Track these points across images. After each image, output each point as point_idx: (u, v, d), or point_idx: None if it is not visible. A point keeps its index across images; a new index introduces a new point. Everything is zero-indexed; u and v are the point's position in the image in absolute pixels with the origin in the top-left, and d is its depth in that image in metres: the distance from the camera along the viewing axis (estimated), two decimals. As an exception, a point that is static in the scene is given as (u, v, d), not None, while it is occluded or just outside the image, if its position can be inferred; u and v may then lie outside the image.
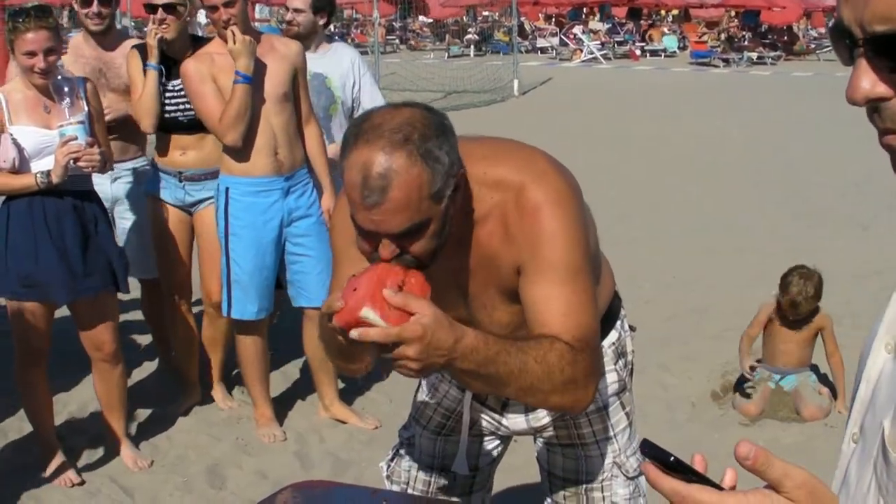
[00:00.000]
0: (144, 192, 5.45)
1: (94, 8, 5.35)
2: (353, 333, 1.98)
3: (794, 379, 5.70)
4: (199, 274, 5.59)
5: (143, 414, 5.55)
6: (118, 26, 5.24)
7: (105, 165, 4.61)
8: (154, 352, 6.28)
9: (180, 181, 5.33)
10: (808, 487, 1.18)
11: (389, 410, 5.47)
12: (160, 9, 5.09)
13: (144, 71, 5.16)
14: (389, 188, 2.02)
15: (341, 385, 5.66)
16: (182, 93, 5.14)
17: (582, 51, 36.42)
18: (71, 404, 5.66)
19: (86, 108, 4.54)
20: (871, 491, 1.26)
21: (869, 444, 1.28)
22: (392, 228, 2.06)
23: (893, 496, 1.22)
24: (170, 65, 5.18)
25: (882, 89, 1.11)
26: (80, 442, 5.23)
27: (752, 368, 5.77)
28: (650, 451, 1.24)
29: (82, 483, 4.81)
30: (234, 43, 4.75)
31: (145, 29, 5.32)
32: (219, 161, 5.16)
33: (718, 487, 1.23)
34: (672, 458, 1.22)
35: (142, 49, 5.24)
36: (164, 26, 5.13)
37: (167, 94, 5.19)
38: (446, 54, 36.90)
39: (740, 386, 5.87)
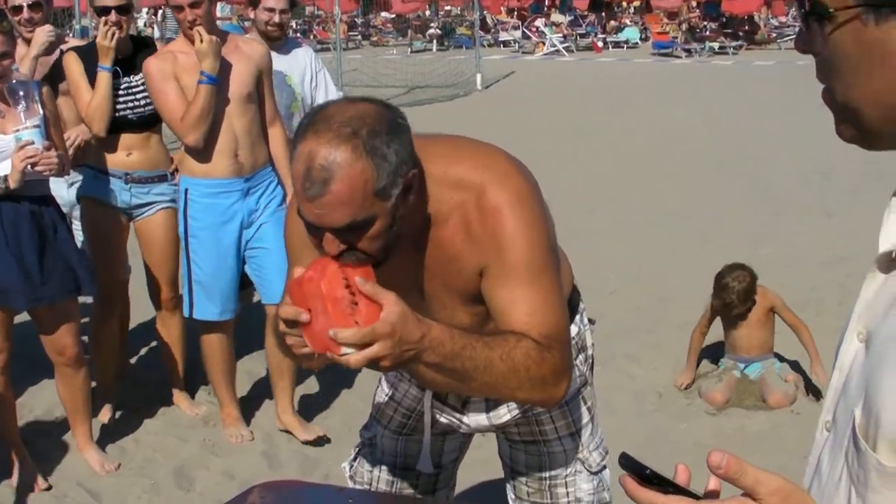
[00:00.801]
0: (78, 194, 5.35)
1: (26, 14, 5.32)
2: (337, 358, 1.99)
3: (759, 367, 5.75)
4: (147, 279, 5.56)
5: (109, 417, 5.52)
6: (71, 28, 5.18)
7: (63, 169, 4.56)
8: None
9: (126, 183, 5.24)
10: (783, 493, 1.18)
11: (360, 408, 5.45)
12: (113, 11, 5.04)
13: (89, 72, 5.09)
14: (331, 181, 2.01)
15: (310, 382, 5.65)
16: (132, 90, 5.13)
17: (544, 44, 36.44)
18: (36, 408, 5.62)
19: (41, 112, 4.50)
20: (843, 480, 1.27)
21: (840, 432, 1.29)
22: (334, 222, 2.05)
23: (864, 485, 1.23)
24: (118, 63, 5.13)
25: None
26: (46, 446, 5.19)
27: (687, 387, 5.89)
28: (628, 463, 1.24)
29: (49, 488, 4.78)
30: (201, 43, 4.72)
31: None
32: (165, 164, 5.22)
33: (696, 497, 1.23)
34: (648, 471, 1.22)
35: (79, 51, 5.17)
36: (117, 28, 5.07)
37: (118, 93, 5.14)
38: (409, 49, 36.86)
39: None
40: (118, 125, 5.15)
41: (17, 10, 5.32)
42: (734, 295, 5.67)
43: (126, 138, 5.20)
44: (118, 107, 5.11)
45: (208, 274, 5.00)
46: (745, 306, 5.72)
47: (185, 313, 5.17)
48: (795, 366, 5.95)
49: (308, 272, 2.04)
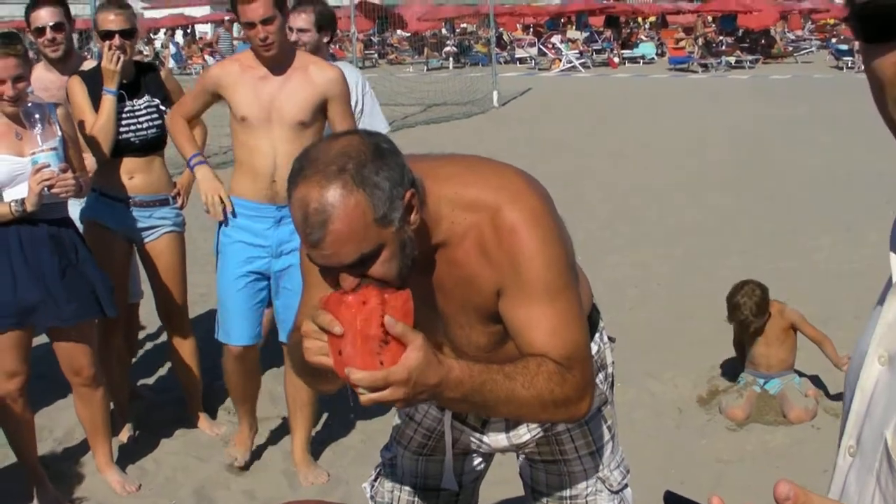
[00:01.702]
0: (81, 217, 5.31)
1: (49, 35, 5.35)
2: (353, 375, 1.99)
3: (779, 382, 5.72)
4: (156, 303, 5.57)
5: (129, 437, 5.53)
6: (89, 50, 5.20)
7: (81, 190, 4.58)
8: (137, 375, 6.26)
9: (128, 207, 5.25)
10: None
11: (379, 427, 5.44)
12: (117, 35, 5.06)
13: (93, 96, 5.11)
14: (329, 222, 2.00)
15: (329, 402, 5.65)
16: (135, 114, 5.15)
17: (560, 60, 36.49)
18: (56, 430, 5.63)
19: (59, 134, 4.52)
20: (875, 502, 1.26)
21: (868, 455, 1.28)
22: (343, 260, 2.05)
23: None
24: (122, 87, 5.14)
25: None
26: (67, 467, 5.20)
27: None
28: (674, 500, 1.22)
29: (70, 509, 4.79)
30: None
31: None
32: (167, 187, 5.21)
33: None
34: None
35: (82, 75, 5.19)
36: (121, 52, 5.08)
37: (121, 117, 5.14)
38: (425, 67, 36.96)
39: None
40: (121, 149, 5.15)
41: (41, 31, 5.35)
42: (747, 311, 5.66)
43: (128, 162, 5.21)
44: (121, 130, 5.12)
45: (228, 294, 4.90)
46: (761, 320, 5.70)
47: (216, 335, 5.09)
48: (815, 381, 5.92)
49: (350, 297, 2.03)
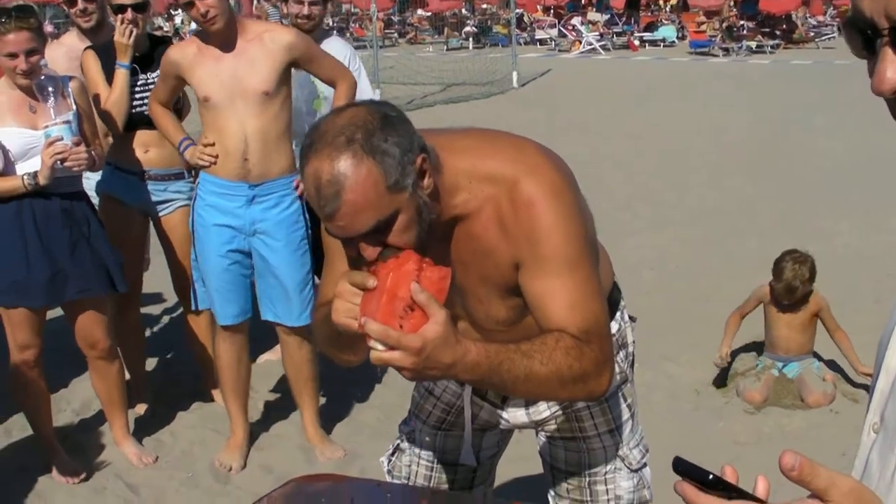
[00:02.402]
0: (96, 190, 5.30)
1: (80, 5, 5.34)
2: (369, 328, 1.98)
3: (797, 366, 5.70)
4: (172, 277, 5.58)
5: (146, 410, 5.55)
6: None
7: (95, 163, 4.57)
8: (153, 349, 6.28)
9: (143, 180, 5.24)
10: (855, 494, 1.15)
11: (396, 402, 5.44)
12: (129, 9, 5.04)
13: (107, 70, 5.11)
14: (342, 192, 2.01)
15: (346, 377, 5.65)
16: (149, 87, 5.11)
17: (580, 42, 36.36)
18: (74, 402, 5.66)
19: (73, 107, 4.51)
20: None
21: (892, 433, 1.27)
22: (360, 229, 2.05)
23: None
24: (135, 60, 5.12)
25: None
26: (84, 439, 5.23)
27: (728, 361, 5.89)
28: (684, 468, 1.19)
29: (87, 479, 4.81)
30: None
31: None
32: (182, 161, 5.14)
33: (762, 501, 1.18)
34: (711, 476, 1.17)
35: (96, 49, 5.18)
36: (134, 25, 5.05)
37: (134, 90, 5.13)
38: (445, 47, 36.87)
39: (725, 373, 5.93)
40: (135, 122, 5.14)
41: (73, 1, 5.34)
42: (802, 273, 5.59)
43: (142, 135, 5.19)
44: (134, 103, 5.11)
45: (207, 273, 4.82)
46: (805, 290, 5.64)
47: (192, 307, 5.08)
48: (833, 365, 5.90)
49: (391, 260, 2.05)
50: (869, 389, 1.37)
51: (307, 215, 4.79)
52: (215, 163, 4.66)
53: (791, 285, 5.60)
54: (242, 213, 4.70)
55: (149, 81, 5.15)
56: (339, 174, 2.00)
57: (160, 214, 5.35)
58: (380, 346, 1.97)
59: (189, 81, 4.70)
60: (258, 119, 4.58)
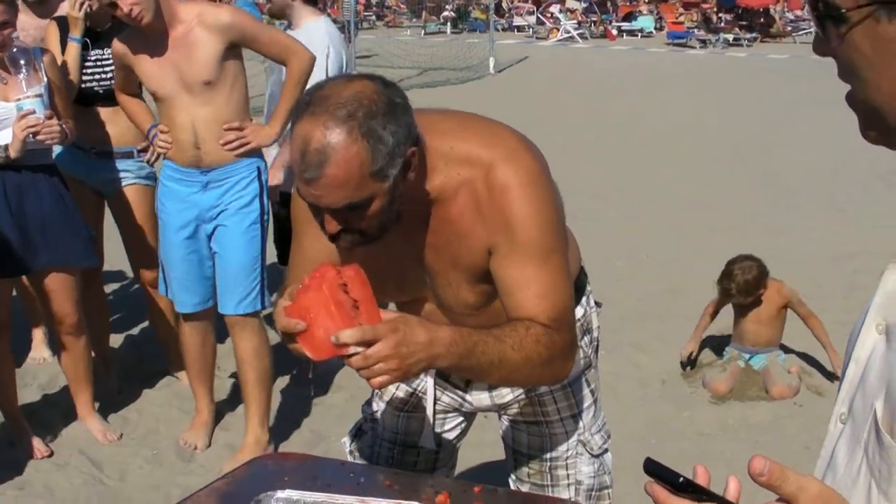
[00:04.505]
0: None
1: None
2: (353, 361, 2.01)
3: (764, 358, 5.75)
4: (128, 256, 5.56)
5: (112, 387, 5.54)
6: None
7: (66, 137, 4.55)
8: (120, 326, 6.27)
9: (95, 158, 5.20)
10: (823, 498, 1.16)
11: (365, 385, 5.40)
12: None
13: (63, 43, 5.05)
14: (326, 164, 2.02)
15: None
16: (101, 63, 5.08)
17: (559, 30, 36.34)
18: (41, 377, 5.64)
19: (44, 80, 4.49)
20: (862, 473, 1.26)
21: (858, 425, 1.28)
22: (331, 203, 2.07)
23: (885, 479, 1.21)
24: (91, 35, 5.08)
25: None
26: (50, 415, 5.21)
27: (691, 360, 5.96)
28: (655, 469, 1.19)
29: (51, 455, 4.80)
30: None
31: None
32: (134, 140, 5.10)
33: None
34: (682, 479, 1.17)
35: (59, 21, 5.13)
36: None
37: (86, 65, 5.08)
38: (423, 31, 36.79)
39: (690, 362, 5.99)
40: (89, 98, 5.11)
41: None
42: (734, 284, 5.67)
43: (95, 112, 5.15)
44: (85, 79, 5.08)
45: (166, 261, 4.76)
46: (745, 298, 5.70)
47: (160, 292, 5.00)
48: (800, 357, 5.95)
49: (304, 281, 2.06)
50: (838, 381, 1.37)
51: (265, 201, 4.68)
52: (170, 149, 4.58)
53: (727, 291, 5.74)
54: (198, 199, 4.60)
55: (103, 57, 5.08)
56: (328, 146, 2.01)
57: (112, 193, 5.30)
58: (359, 349, 1.99)
59: (137, 74, 4.56)
60: (205, 108, 4.44)
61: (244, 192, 4.60)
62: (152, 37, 4.40)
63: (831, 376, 5.69)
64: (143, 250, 5.36)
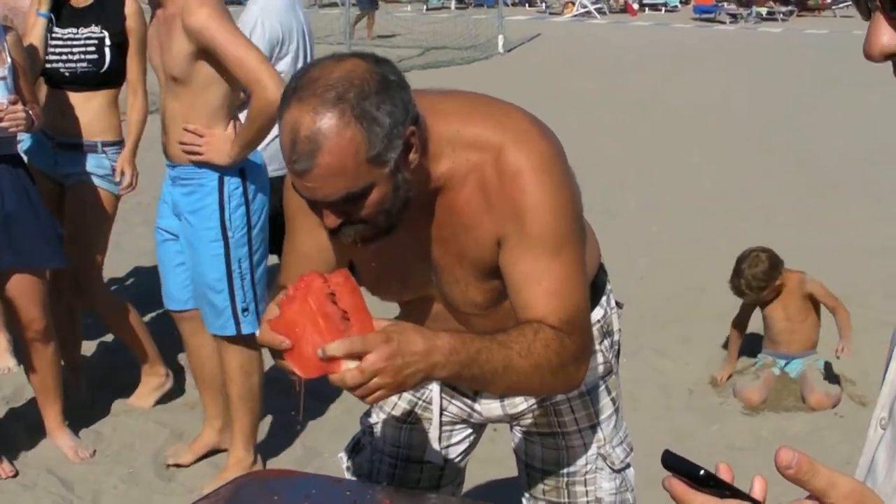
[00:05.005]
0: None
1: None
2: (334, 378, 1.99)
3: (801, 363, 5.73)
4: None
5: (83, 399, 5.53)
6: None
7: (33, 124, 4.53)
8: (92, 332, 6.26)
9: (52, 148, 5.16)
10: (857, 496, 1.15)
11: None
12: None
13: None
14: (318, 153, 2.01)
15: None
16: (71, 43, 5.06)
17: (574, 4, 36.34)
18: (5, 388, 5.63)
19: (8, 62, 4.48)
20: None
21: None
22: (327, 196, 2.06)
23: None
24: (61, 11, 5.07)
25: None
26: (15, 430, 5.20)
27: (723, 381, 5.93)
28: (674, 463, 1.18)
29: (16, 475, 4.79)
30: None
31: None
32: (104, 133, 5.07)
33: (756, 502, 1.18)
34: (702, 472, 1.16)
35: None
36: None
37: (52, 43, 5.06)
38: (424, 7, 36.81)
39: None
40: (55, 80, 5.10)
41: None
42: (742, 280, 5.66)
43: (64, 97, 5.11)
44: (50, 58, 5.06)
45: (158, 255, 4.78)
46: (759, 294, 5.69)
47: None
48: (841, 363, 5.93)
49: (289, 293, 2.03)
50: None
51: (233, 218, 4.50)
52: None
53: (737, 288, 5.74)
54: (170, 190, 4.60)
55: (75, 37, 5.06)
56: (319, 132, 2.00)
57: (70, 185, 5.22)
58: (351, 364, 1.97)
59: None
60: (173, 102, 4.40)
61: (202, 204, 4.47)
62: (156, 9, 4.42)
63: (874, 384, 5.67)
64: (80, 252, 5.17)
